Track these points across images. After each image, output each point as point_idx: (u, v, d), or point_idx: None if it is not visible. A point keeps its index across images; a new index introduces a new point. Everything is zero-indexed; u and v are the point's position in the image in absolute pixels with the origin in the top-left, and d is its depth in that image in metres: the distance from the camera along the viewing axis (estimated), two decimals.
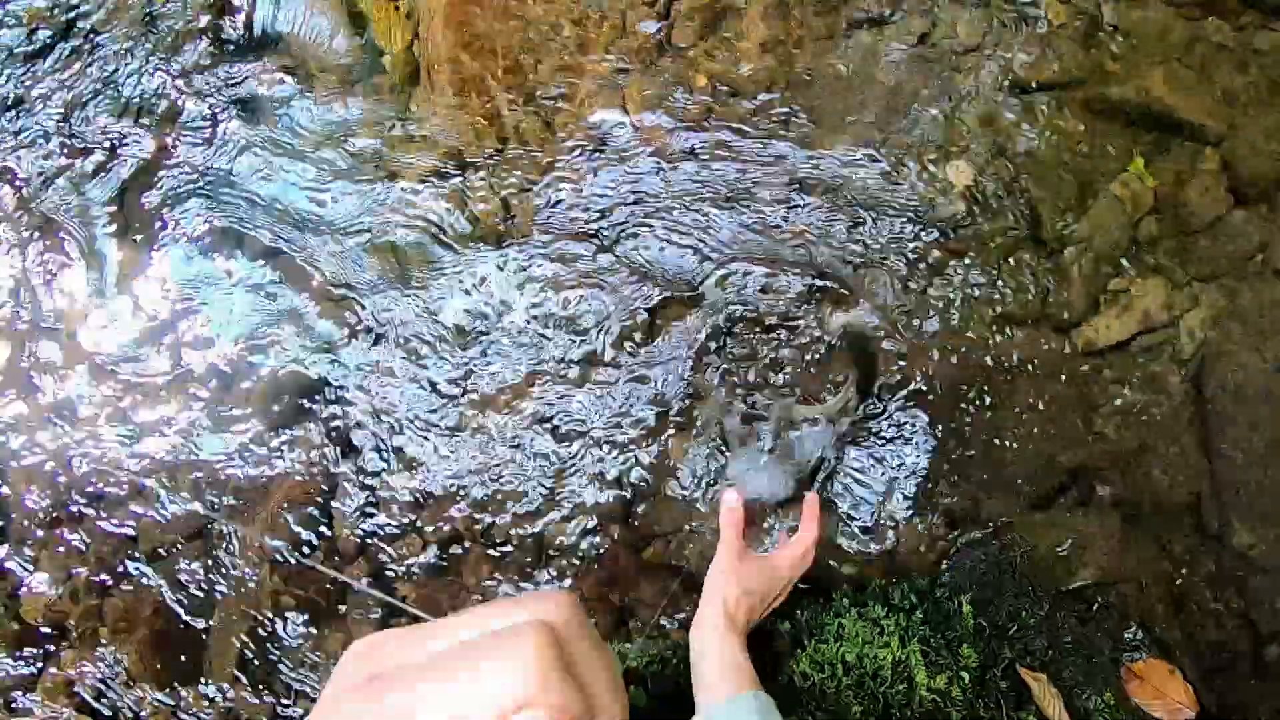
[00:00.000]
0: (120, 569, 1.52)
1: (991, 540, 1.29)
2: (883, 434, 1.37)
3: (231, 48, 1.77)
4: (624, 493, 1.40)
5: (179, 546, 1.52)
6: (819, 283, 1.42)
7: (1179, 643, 1.21)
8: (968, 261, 1.42)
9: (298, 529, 1.47)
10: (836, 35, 1.55)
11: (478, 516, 1.43)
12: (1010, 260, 1.42)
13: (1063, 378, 1.37)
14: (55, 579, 1.54)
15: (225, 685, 1.43)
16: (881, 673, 1.11)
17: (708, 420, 1.40)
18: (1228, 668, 1.21)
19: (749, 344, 1.42)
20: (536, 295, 1.50)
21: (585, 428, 1.43)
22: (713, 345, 1.42)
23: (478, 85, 1.60)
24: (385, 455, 1.49)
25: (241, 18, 1.78)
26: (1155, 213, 1.41)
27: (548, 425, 1.45)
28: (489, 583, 1.40)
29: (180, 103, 1.76)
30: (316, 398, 1.54)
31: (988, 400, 1.36)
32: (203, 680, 1.45)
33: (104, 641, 1.49)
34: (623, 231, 1.50)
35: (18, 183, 1.78)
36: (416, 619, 1.36)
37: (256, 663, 1.44)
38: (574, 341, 1.47)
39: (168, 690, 1.45)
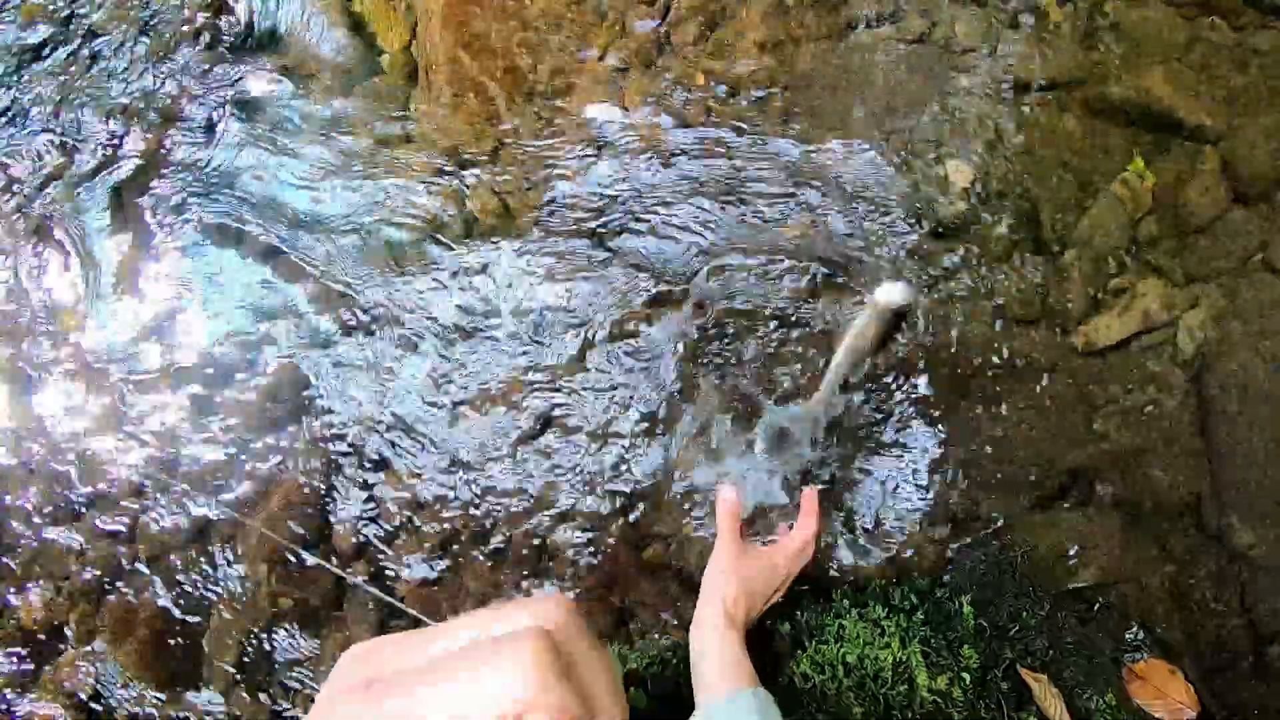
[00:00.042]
0: (118, 570, 1.52)
1: (992, 540, 1.29)
2: (882, 434, 1.36)
3: (229, 47, 1.77)
4: (623, 493, 1.39)
5: (177, 547, 1.52)
6: (817, 279, 1.42)
7: (1180, 643, 1.21)
8: (967, 261, 1.42)
9: (297, 530, 1.46)
10: (835, 35, 1.54)
11: (477, 517, 1.43)
12: (1010, 260, 1.42)
13: (1063, 378, 1.36)
14: (53, 580, 1.54)
15: (223, 687, 1.43)
16: (882, 674, 1.11)
17: (706, 418, 1.39)
18: (1229, 668, 1.21)
19: (747, 340, 1.42)
20: (535, 293, 1.50)
21: (584, 427, 1.43)
22: (712, 342, 1.42)
23: (476, 85, 1.60)
24: (384, 455, 1.48)
25: (239, 18, 1.78)
26: (1155, 212, 1.41)
27: (547, 425, 1.44)
28: (488, 584, 1.40)
29: (178, 102, 1.75)
30: (315, 398, 1.53)
31: (988, 400, 1.36)
32: (200, 681, 1.44)
33: (101, 643, 1.48)
34: (621, 230, 1.50)
35: (15, 183, 1.78)
36: (416, 621, 1.36)
37: (254, 664, 1.43)
38: (574, 340, 1.46)
39: (165, 692, 1.44)
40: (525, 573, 1.40)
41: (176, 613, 1.48)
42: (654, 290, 1.46)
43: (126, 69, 1.79)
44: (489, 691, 0.29)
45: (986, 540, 1.30)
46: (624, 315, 1.46)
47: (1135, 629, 1.21)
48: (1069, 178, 1.43)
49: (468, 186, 1.58)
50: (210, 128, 1.72)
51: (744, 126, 1.51)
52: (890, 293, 1.25)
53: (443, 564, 1.42)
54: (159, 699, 1.44)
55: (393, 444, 1.48)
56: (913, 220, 1.44)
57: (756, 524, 1.33)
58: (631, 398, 1.42)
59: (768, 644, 1.19)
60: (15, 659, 1.51)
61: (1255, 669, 1.20)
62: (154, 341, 1.63)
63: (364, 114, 1.66)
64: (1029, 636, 1.20)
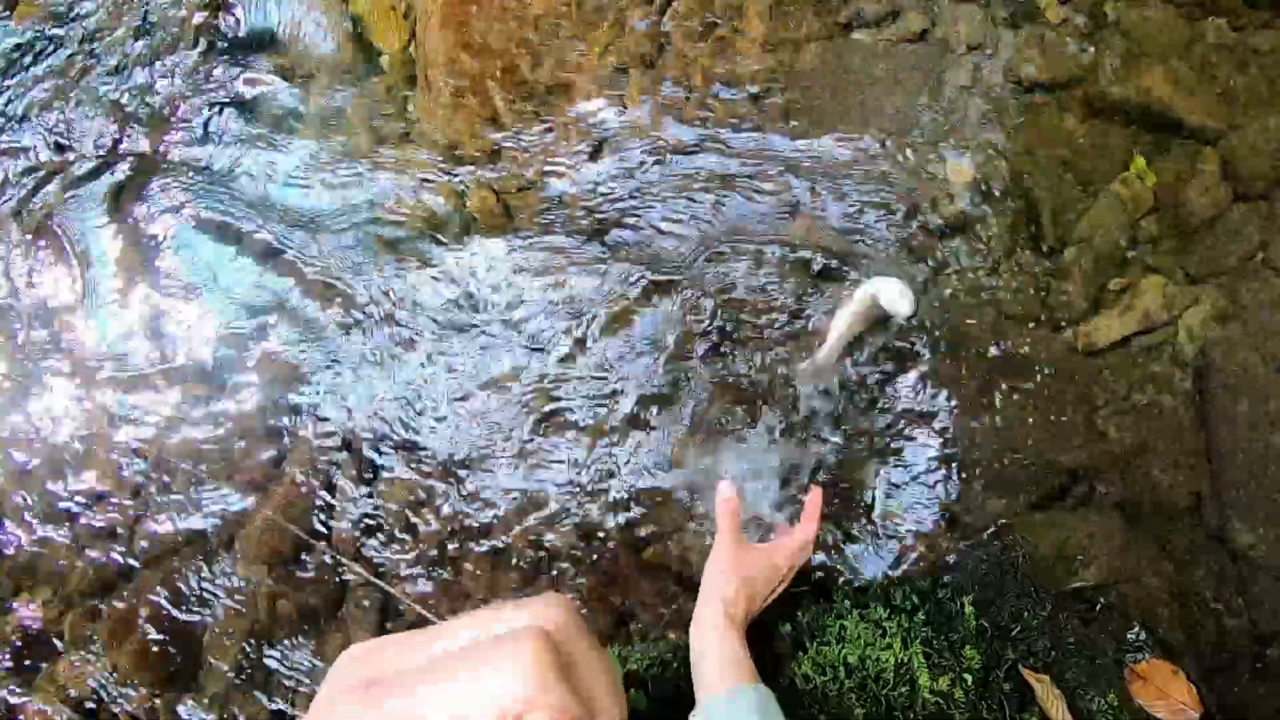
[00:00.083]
0: (116, 572, 1.51)
1: (993, 541, 1.29)
2: (883, 434, 1.36)
3: (227, 48, 1.77)
4: (623, 493, 1.39)
5: (175, 549, 1.51)
6: (815, 269, 1.42)
7: (1181, 643, 1.21)
8: (967, 260, 1.42)
9: (297, 530, 1.46)
10: (835, 34, 1.54)
11: (476, 518, 1.42)
12: (1010, 260, 1.42)
13: (1063, 377, 1.36)
14: (51, 582, 1.53)
15: (222, 688, 1.42)
16: (884, 675, 1.10)
17: (706, 414, 1.39)
18: (1230, 668, 1.21)
19: (747, 332, 1.41)
20: (534, 292, 1.49)
21: (583, 426, 1.43)
22: (711, 335, 1.42)
23: (475, 85, 1.59)
24: (383, 455, 1.48)
25: (237, 18, 1.77)
26: (1155, 212, 1.41)
27: (546, 424, 1.44)
28: (487, 585, 1.40)
29: (175, 103, 1.75)
30: (315, 398, 1.53)
31: (988, 400, 1.36)
32: (199, 683, 1.44)
33: (100, 645, 1.48)
34: (621, 228, 1.50)
35: (13, 183, 1.77)
36: (416, 621, 1.36)
37: (254, 665, 1.43)
38: (573, 339, 1.46)
39: (164, 693, 1.44)
40: (525, 574, 1.39)
41: (175, 614, 1.47)
42: (652, 286, 1.46)
43: (124, 69, 1.79)
44: (489, 692, 0.28)
45: (988, 540, 1.29)
46: (623, 312, 1.46)
47: (1137, 629, 1.21)
48: (1069, 177, 1.43)
49: (467, 186, 1.57)
50: (208, 128, 1.72)
51: (744, 126, 1.51)
52: (888, 294, 1.26)
53: (442, 565, 1.42)
54: (158, 701, 1.43)
55: (392, 444, 1.48)
56: (913, 219, 1.43)
57: (756, 522, 1.33)
58: (631, 395, 1.42)
59: (769, 645, 1.19)
60: (14, 661, 1.50)
61: (1257, 669, 1.20)
62: (151, 341, 1.62)
63: (363, 114, 1.66)
64: (1031, 637, 1.19)
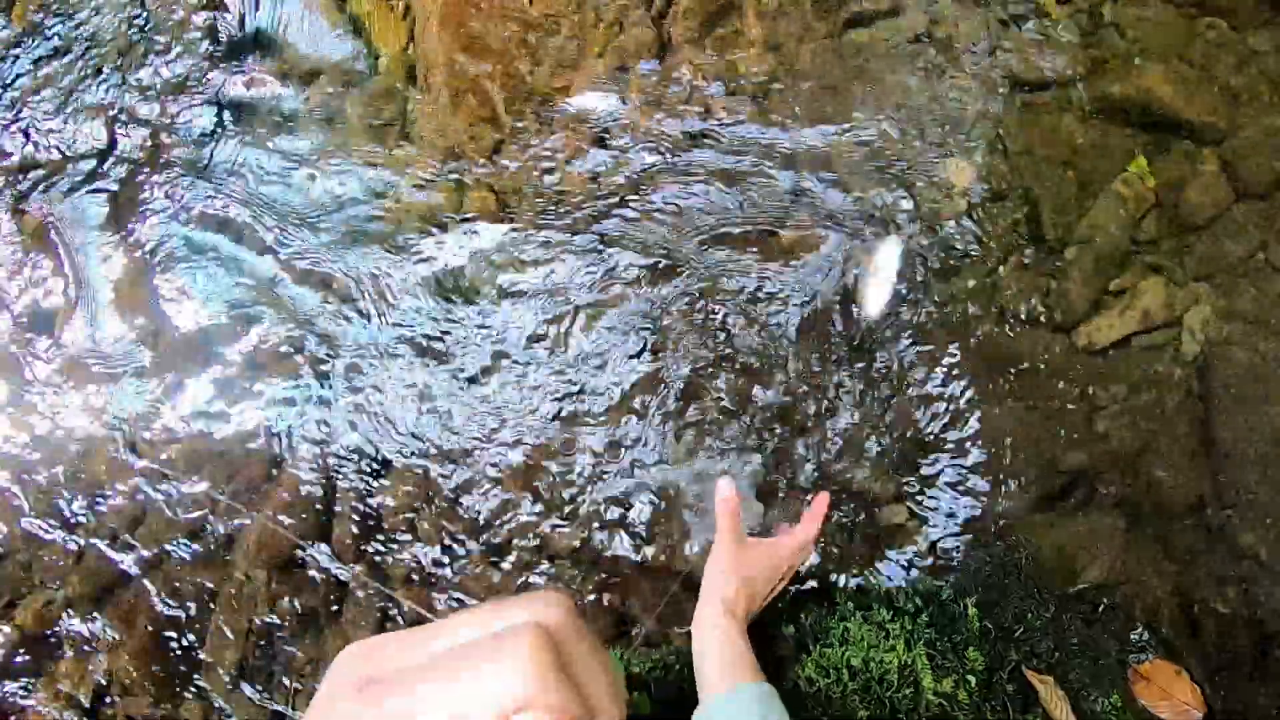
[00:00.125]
0: (116, 573, 1.51)
1: (995, 542, 1.29)
2: (883, 435, 1.36)
3: (226, 49, 1.76)
4: (623, 493, 1.39)
5: (175, 550, 1.51)
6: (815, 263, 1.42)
7: (1184, 643, 1.21)
8: (968, 261, 1.42)
9: (296, 530, 1.45)
10: (835, 34, 1.54)
11: (477, 519, 1.42)
12: (1010, 260, 1.42)
13: (1064, 377, 1.36)
14: (49, 585, 1.53)
15: (222, 689, 1.42)
16: (888, 677, 1.10)
17: (707, 417, 1.39)
18: (1233, 667, 1.20)
19: (750, 335, 1.41)
20: (534, 292, 1.49)
21: (583, 425, 1.42)
22: (712, 333, 1.42)
23: (475, 86, 1.59)
24: (383, 456, 1.48)
25: (236, 19, 1.76)
26: (1156, 212, 1.41)
27: (546, 424, 1.44)
28: (488, 585, 1.39)
29: (174, 103, 1.74)
30: (315, 398, 1.52)
31: (989, 400, 1.36)
32: (199, 684, 1.43)
33: (100, 647, 1.47)
34: (620, 227, 1.50)
35: (11, 185, 1.76)
36: (416, 621, 1.35)
37: (254, 666, 1.42)
38: (573, 339, 1.46)
39: (164, 694, 1.43)
40: (525, 575, 1.39)
41: (175, 616, 1.47)
42: (652, 284, 1.46)
43: (122, 69, 1.78)
44: (489, 690, 0.28)
45: (990, 542, 1.29)
46: (623, 311, 1.45)
47: (1140, 630, 1.21)
48: (1069, 177, 1.43)
49: (466, 186, 1.57)
50: (206, 129, 1.71)
51: (743, 126, 1.51)
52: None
53: (441, 565, 1.42)
54: (158, 702, 1.43)
55: (391, 444, 1.48)
56: (912, 219, 1.43)
57: (756, 521, 1.33)
58: (631, 393, 1.42)
59: (772, 648, 1.18)
60: (14, 663, 1.49)
61: (1260, 668, 1.20)
62: (150, 341, 1.62)
63: (362, 115, 1.65)
64: (1034, 638, 1.19)
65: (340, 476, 1.48)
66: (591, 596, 1.36)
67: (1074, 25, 1.48)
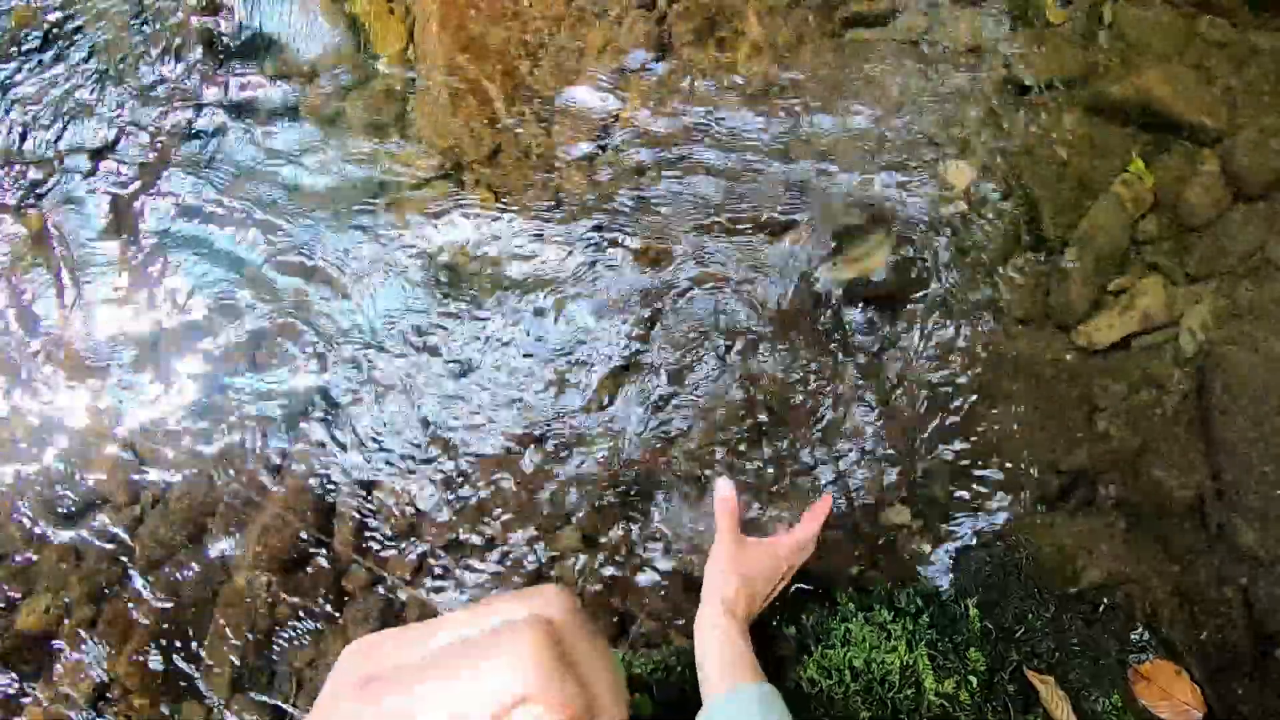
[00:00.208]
0: (115, 576, 1.51)
1: (996, 542, 1.29)
2: (884, 436, 1.36)
3: (225, 50, 1.76)
4: (623, 494, 1.39)
5: (175, 552, 1.50)
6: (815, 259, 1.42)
7: (1185, 643, 1.21)
8: (968, 261, 1.42)
9: (297, 530, 1.46)
10: (835, 34, 1.54)
11: (477, 520, 1.42)
12: (1010, 260, 1.42)
13: (1064, 378, 1.37)
14: (50, 587, 1.52)
15: (223, 692, 1.42)
16: (889, 678, 1.10)
17: (705, 411, 1.39)
18: (1233, 667, 1.21)
19: (758, 342, 1.41)
20: (534, 295, 1.49)
21: (583, 426, 1.42)
22: (714, 332, 1.42)
23: (474, 87, 1.59)
24: (384, 457, 1.47)
25: (234, 22, 1.76)
26: (1155, 212, 1.41)
27: (547, 424, 1.44)
28: (489, 585, 1.40)
29: (173, 104, 1.74)
30: (315, 399, 1.52)
31: (989, 401, 1.36)
32: (200, 686, 1.43)
33: (99, 649, 1.47)
34: (619, 227, 1.50)
35: (9, 183, 1.76)
36: (418, 618, 1.35)
37: (254, 669, 1.42)
38: (574, 339, 1.46)
39: (164, 697, 1.43)
40: (526, 575, 1.39)
41: (174, 618, 1.47)
42: (652, 286, 1.46)
43: (122, 71, 1.77)
44: (489, 686, 0.28)
45: (991, 542, 1.30)
46: (623, 312, 1.45)
47: (1140, 630, 1.21)
48: (1069, 177, 1.43)
49: (467, 187, 1.57)
50: (206, 130, 1.71)
51: (743, 127, 1.51)
52: None
53: (442, 566, 1.42)
54: (158, 702, 1.43)
55: (391, 443, 1.48)
56: (912, 220, 1.43)
57: (755, 520, 1.33)
58: (632, 400, 1.42)
59: (774, 648, 1.19)
60: (14, 664, 1.49)
61: (1260, 669, 1.21)
62: (149, 342, 1.62)
63: (362, 116, 1.65)
64: (1035, 639, 1.20)
65: (341, 475, 1.48)
66: (591, 599, 1.36)
67: (1073, 26, 1.48)
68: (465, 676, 0.29)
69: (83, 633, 1.48)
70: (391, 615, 1.42)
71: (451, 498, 1.44)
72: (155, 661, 1.45)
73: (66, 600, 1.50)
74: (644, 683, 1.17)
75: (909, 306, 1.41)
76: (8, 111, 1.80)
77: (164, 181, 1.70)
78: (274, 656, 1.43)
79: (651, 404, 1.42)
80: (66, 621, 1.50)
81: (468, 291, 1.53)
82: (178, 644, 1.46)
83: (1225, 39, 1.42)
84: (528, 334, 1.48)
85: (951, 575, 1.28)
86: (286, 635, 1.43)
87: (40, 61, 1.82)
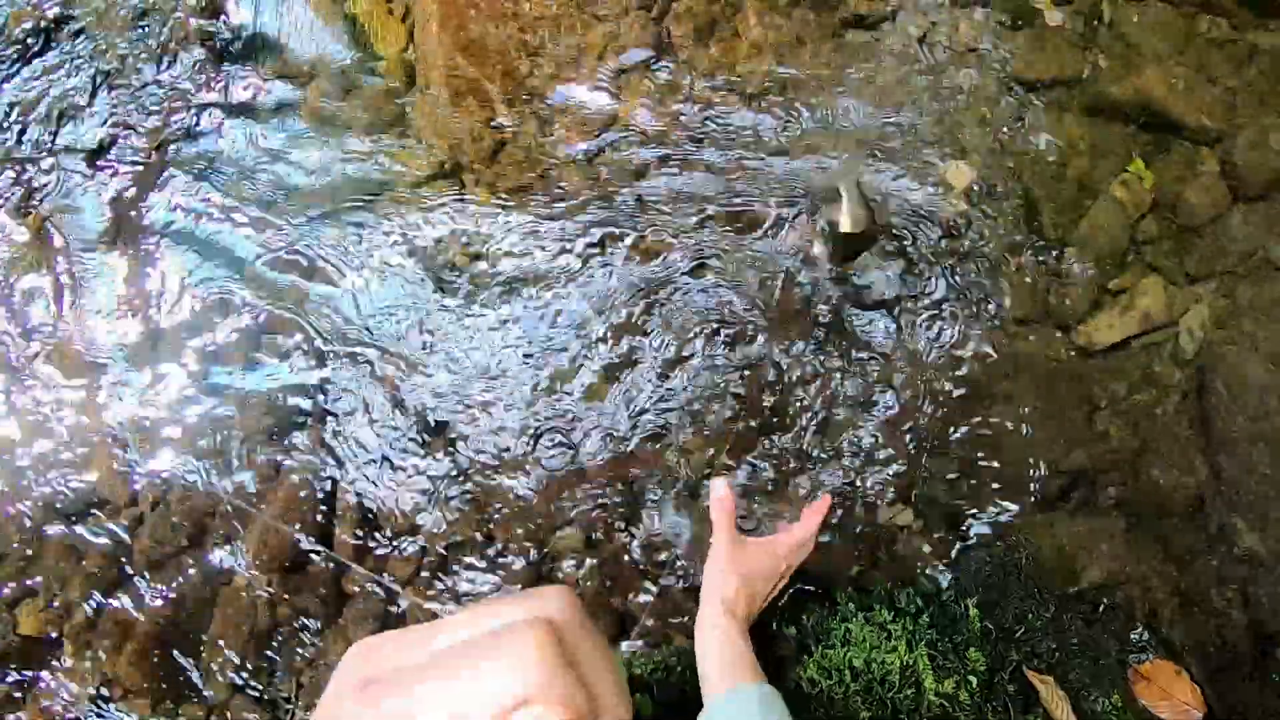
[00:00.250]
0: (115, 577, 1.50)
1: (996, 542, 1.29)
2: (884, 437, 1.36)
3: (223, 52, 1.75)
4: (623, 494, 1.39)
5: (174, 553, 1.50)
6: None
7: (1184, 643, 1.21)
8: (967, 262, 1.42)
9: (297, 533, 1.45)
10: (834, 35, 1.54)
11: (478, 522, 1.42)
12: (1010, 260, 1.42)
13: (1064, 378, 1.37)
14: (49, 589, 1.52)
15: (223, 694, 1.42)
16: (889, 678, 1.10)
17: (707, 419, 1.39)
18: (1233, 667, 1.21)
19: (748, 335, 1.41)
20: (533, 295, 1.49)
21: (584, 427, 1.42)
22: (716, 341, 1.42)
23: (474, 88, 1.59)
24: (384, 458, 1.47)
25: (233, 22, 1.76)
26: (1155, 212, 1.41)
27: (547, 425, 1.44)
28: (489, 587, 1.39)
29: (171, 107, 1.74)
30: (314, 402, 1.52)
31: (989, 402, 1.36)
32: (200, 689, 1.43)
33: (99, 651, 1.47)
34: (619, 228, 1.50)
35: (8, 184, 1.76)
36: (420, 619, 1.35)
37: (254, 671, 1.42)
38: (574, 340, 1.46)
39: (164, 699, 1.43)
40: (526, 576, 1.39)
41: (174, 620, 1.47)
42: (651, 284, 1.46)
43: (120, 73, 1.77)
44: (491, 687, 0.28)
45: (991, 542, 1.30)
46: (624, 315, 1.45)
47: (1140, 630, 1.21)
48: (1068, 178, 1.43)
49: (466, 186, 1.57)
50: (206, 131, 1.71)
51: (742, 127, 1.51)
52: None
53: (442, 567, 1.42)
54: (157, 706, 1.43)
55: (391, 445, 1.48)
56: (912, 221, 1.44)
57: (753, 518, 1.33)
58: (632, 401, 1.42)
59: (774, 649, 1.19)
60: (12, 669, 1.49)
61: (1259, 668, 1.21)
62: (147, 343, 1.61)
63: (361, 118, 1.65)
64: (1035, 639, 1.20)
65: (341, 475, 1.48)
66: (592, 600, 1.36)
67: (1071, 26, 1.48)
68: (466, 677, 0.28)
69: (83, 634, 1.48)
70: (391, 616, 1.42)
71: (451, 497, 1.44)
72: (155, 661, 1.44)
73: (66, 600, 1.50)
74: (644, 683, 1.17)
75: (909, 307, 1.41)
76: (7, 112, 1.81)
77: (163, 182, 1.70)
78: (274, 656, 1.43)
79: (650, 403, 1.42)
80: (67, 622, 1.50)
81: (467, 291, 1.53)
82: (178, 644, 1.46)
83: (1224, 39, 1.43)
84: (527, 333, 1.49)
85: (951, 575, 1.28)
86: (286, 635, 1.43)
87: (40, 62, 1.82)
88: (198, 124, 1.72)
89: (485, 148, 1.57)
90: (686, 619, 1.32)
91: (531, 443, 1.44)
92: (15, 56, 1.83)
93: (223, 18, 1.77)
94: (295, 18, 1.73)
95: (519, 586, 1.39)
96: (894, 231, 1.44)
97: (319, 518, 1.47)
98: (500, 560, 1.41)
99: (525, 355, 1.48)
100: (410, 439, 1.48)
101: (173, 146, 1.71)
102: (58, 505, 1.55)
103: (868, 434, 1.36)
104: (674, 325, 1.44)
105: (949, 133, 1.47)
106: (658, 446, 1.40)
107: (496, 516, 1.42)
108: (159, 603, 1.47)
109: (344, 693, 0.31)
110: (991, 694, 1.13)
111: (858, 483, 1.35)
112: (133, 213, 1.69)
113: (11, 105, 1.80)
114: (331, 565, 1.44)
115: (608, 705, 0.30)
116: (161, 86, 1.75)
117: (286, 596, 1.44)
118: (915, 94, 1.49)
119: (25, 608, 1.52)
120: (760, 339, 1.42)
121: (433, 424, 1.48)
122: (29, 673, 1.49)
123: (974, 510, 1.32)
